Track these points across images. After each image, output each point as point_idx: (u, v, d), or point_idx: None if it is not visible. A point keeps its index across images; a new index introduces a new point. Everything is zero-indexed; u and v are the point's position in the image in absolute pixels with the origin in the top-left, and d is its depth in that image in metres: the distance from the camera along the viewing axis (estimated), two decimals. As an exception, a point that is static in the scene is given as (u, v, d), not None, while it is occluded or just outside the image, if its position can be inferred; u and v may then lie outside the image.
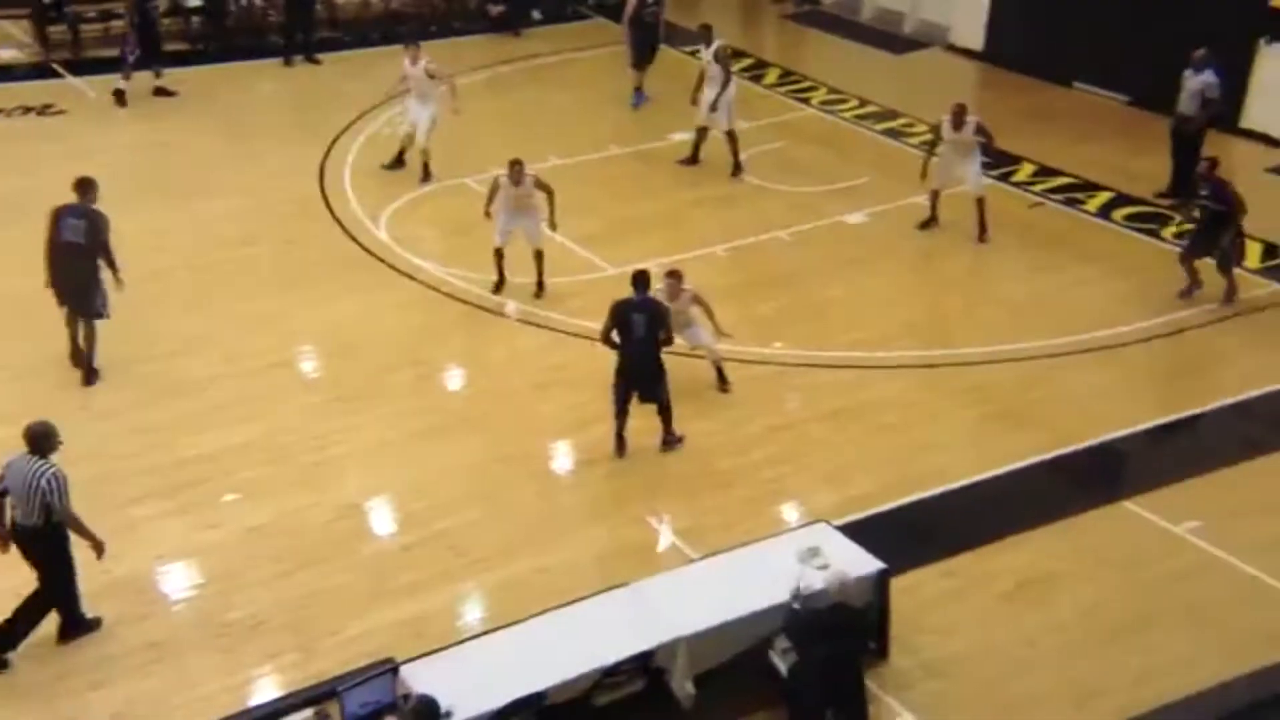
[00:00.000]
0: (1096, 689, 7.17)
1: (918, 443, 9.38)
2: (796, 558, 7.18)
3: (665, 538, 8.42)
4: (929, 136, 12.26)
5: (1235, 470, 9.08)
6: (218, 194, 13.08)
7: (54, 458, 6.96)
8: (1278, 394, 10.07)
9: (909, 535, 8.42)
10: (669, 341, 9.02)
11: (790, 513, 8.67)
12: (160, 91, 15.27)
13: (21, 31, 17.32)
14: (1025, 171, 14.03)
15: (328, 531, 8.33)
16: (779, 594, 6.92)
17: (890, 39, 18.43)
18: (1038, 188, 13.67)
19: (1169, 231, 12.64)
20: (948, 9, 17.91)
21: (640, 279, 8.94)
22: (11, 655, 7.16)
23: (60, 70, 16.34)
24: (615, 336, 8.96)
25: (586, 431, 9.46)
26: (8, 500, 6.96)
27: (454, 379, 10.50)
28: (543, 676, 6.42)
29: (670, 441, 9.23)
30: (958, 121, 11.94)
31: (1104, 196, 13.41)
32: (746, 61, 17.28)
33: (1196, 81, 12.73)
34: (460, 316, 11.11)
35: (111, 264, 9.69)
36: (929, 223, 12.52)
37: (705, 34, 13.68)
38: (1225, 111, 13.30)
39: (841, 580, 6.69)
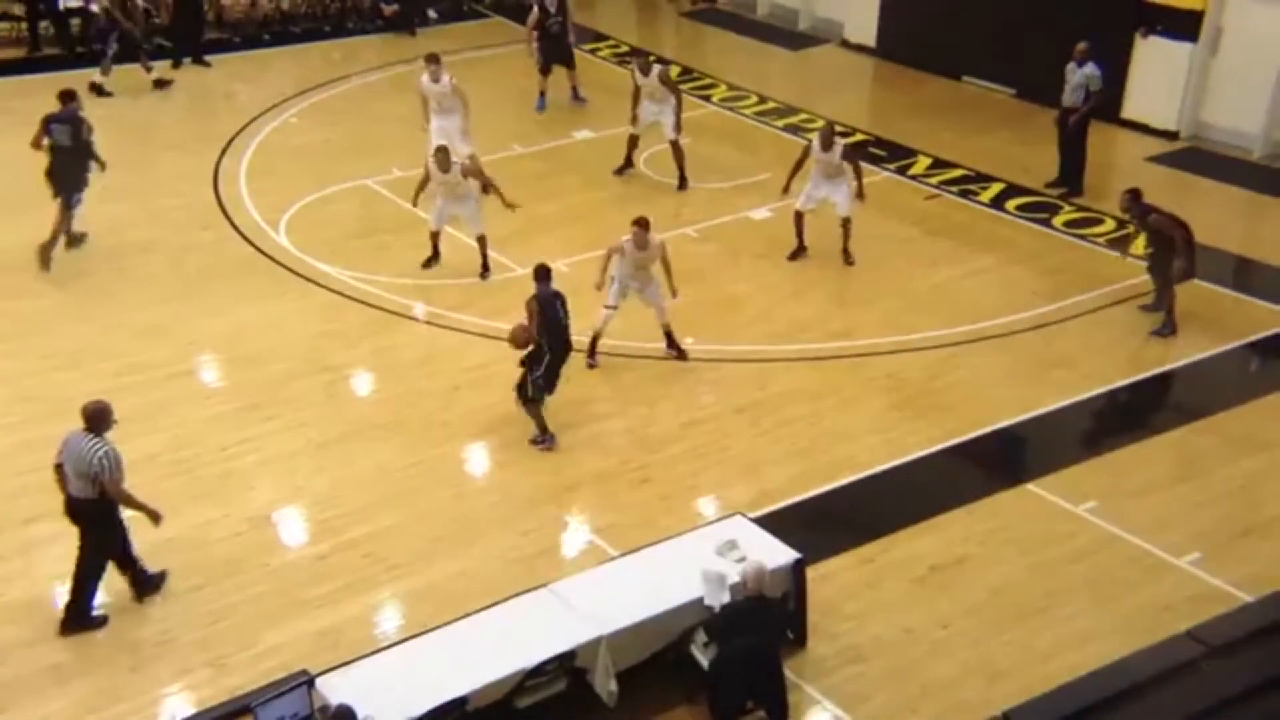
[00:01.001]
0: (1007, 667, 7.40)
1: (829, 433, 9.56)
2: (713, 551, 7.26)
3: (582, 536, 8.42)
4: (798, 155, 12.03)
5: (1129, 450, 9.44)
6: (109, 200, 12.58)
7: (108, 435, 7.14)
8: (1165, 376, 10.53)
9: (824, 524, 8.58)
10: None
11: (707, 507, 8.74)
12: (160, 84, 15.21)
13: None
14: (921, 165, 14.38)
15: (237, 544, 8.12)
16: (697, 588, 6.98)
17: (786, 35, 18.71)
18: (934, 180, 14.03)
19: (1060, 220, 13.11)
20: (841, 6, 18.26)
21: (543, 271, 9.17)
22: (101, 610, 7.48)
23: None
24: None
25: (500, 433, 9.40)
26: (66, 472, 7.22)
27: (363, 384, 10.32)
28: (464, 681, 6.37)
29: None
30: (826, 143, 11.61)
31: (996, 188, 13.83)
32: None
33: (1080, 74, 13.21)
34: (367, 321, 10.93)
35: (96, 158, 11.44)
36: (798, 253, 12.02)
37: (643, 63, 13.42)
38: (1107, 103, 13.83)
39: (757, 572, 6.78)
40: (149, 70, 15.03)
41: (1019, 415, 9.81)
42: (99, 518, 7.26)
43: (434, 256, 11.64)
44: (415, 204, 11.49)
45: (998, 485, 9.02)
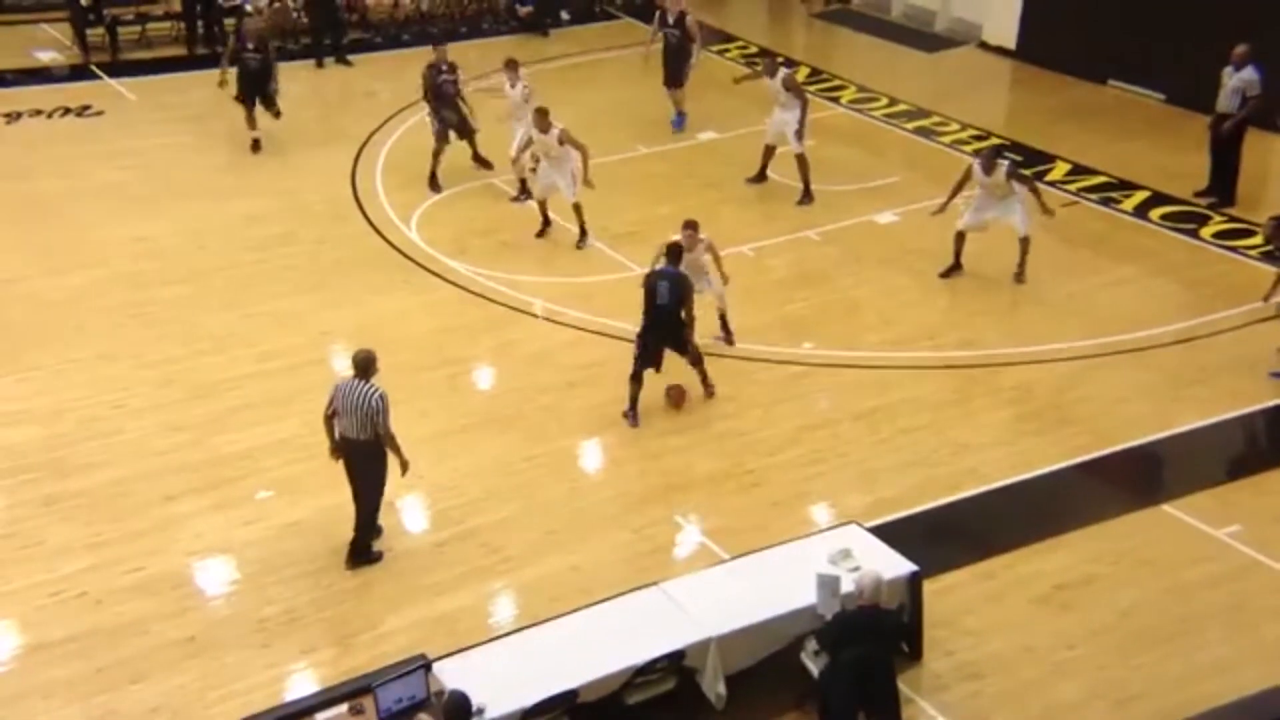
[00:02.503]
0: (1135, 694, 7.08)
1: (951, 444, 9.30)
2: (827, 559, 7.14)
3: (693, 537, 8.40)
4: (958, 177, 11.52)
5: (1276, 474, 8.94)
6: (252, 195, 13.19)
7: (375, 380, 7.66)
8: (1320, 396, 9.93)
9: (943, 537, 8.35)
10: (689, 314, 9.61)
11: (821, 514, 8.62)
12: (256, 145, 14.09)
13: (61, 34, 17.54)
14: (1060, 170, 13.88)
15: (360, 529, 8.37)
16: (810, 595, 6.88)
17: (921, 37, 18.31)
18: (1073, 187, 13.52)
19: (1209, 231, 12.48)
20: (980, 7, 17.78)
21: (673, 250, 9.74)
22: (379, 547, 8.07)
23: (99, 72, 16.53)
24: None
25: (616, 430, 9.45)
26: (337, 420, 7.74)
27: (483, 378, 10.53)
28: (574, 674, 6.42)
29: (709, 390, 9.83)
30: (988, 167, 11.12)
31: (1140, 195, 13.25)
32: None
33: (1237, 79, 12.53)
34: (488, 316, 11.14)
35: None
36: (952, 270, 11.61)
37: (770, 65, 13.24)
38: (1266, 110, 13.09)
39: (873, 582, 6.64)
40: (268, 112, 13.99)
41: (1156, 433, 9.38)
42: (375, 457, 7.79)
43: (545, 224, 12.19)
44: (515, 161, 12.28)
45: (1131, 505, 8.63)
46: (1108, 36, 15.93)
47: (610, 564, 8.04)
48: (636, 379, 9.48)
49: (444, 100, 13.15)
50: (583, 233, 12.08)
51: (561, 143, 11.74)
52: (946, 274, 11.74)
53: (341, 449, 7.86)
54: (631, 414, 9.50)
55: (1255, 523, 8.37)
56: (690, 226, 10.08)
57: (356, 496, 7.95)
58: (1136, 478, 9.09)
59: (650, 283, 9.50)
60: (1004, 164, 11.40)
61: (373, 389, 7.65)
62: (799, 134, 12.97)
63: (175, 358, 10.27)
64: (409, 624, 7.54)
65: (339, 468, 8.92)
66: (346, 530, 8.34)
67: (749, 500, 8.73)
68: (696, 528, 8.52)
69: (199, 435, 9.28)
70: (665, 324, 9.43)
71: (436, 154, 13.24)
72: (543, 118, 11.75)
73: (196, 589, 7.92)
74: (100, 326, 10.72)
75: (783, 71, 13.29)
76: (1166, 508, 8.59)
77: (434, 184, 13.28)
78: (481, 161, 13.61)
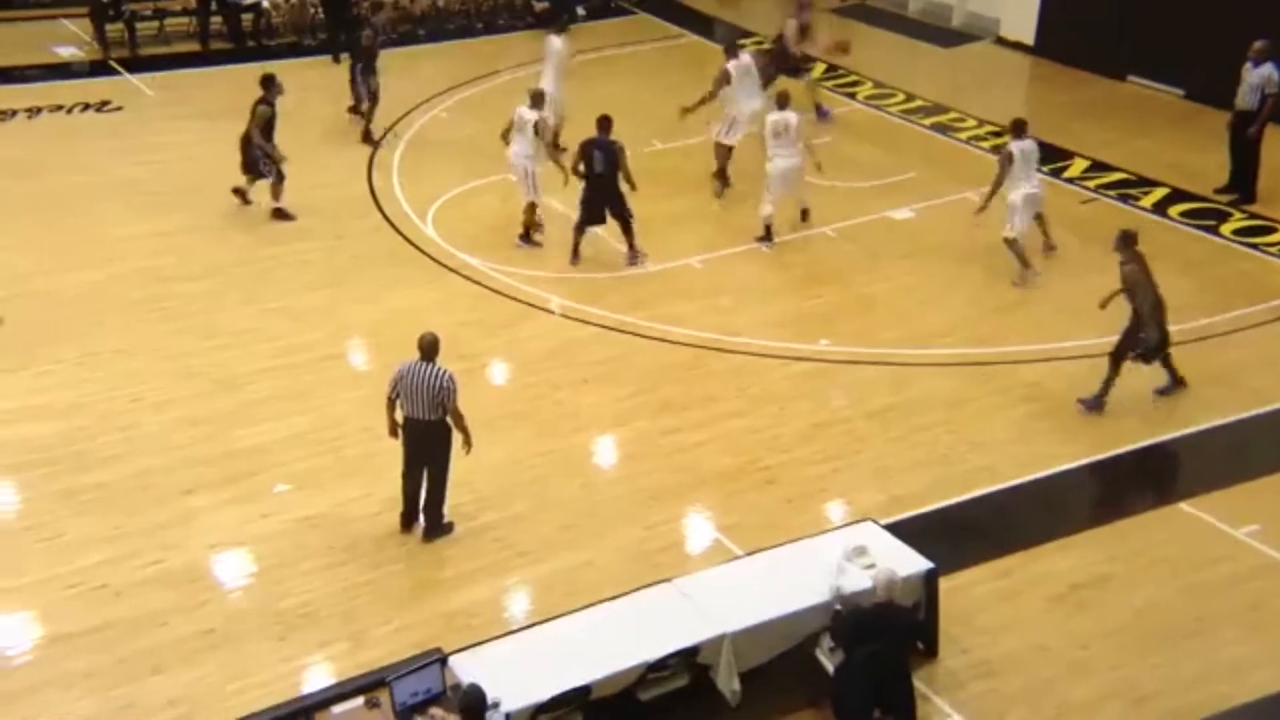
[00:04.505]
0: (1151, 693, 7.05)
1: (966, 441, 9.28)
2: (843, 556, 7.14)
3: (707, 534, 8.41)
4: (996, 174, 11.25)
5: (1296, 473, 8.90)
6: (262, 186, 13.24)
7: (439, 360, 7.88)
8: (1339, 395, 9.84)
9: (959, 535, 8.33)
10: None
11: (836, 510, 8.61)
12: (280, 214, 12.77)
13: (80, 30, 17.65)
14: (1078, 167, 13.81)
15: (377, 523, 8.41)
16: (825, 592, 6.88)
17: (939, 32, 18.23)
18: (1091, 184, 13.45)
19: (1229, 229, 12.39)
20: (998, 2, 17.68)
21: (603, 122, 11.13)
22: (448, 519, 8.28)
23: (118, 68, 16.63)
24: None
25: (630, 425, 9.47)
26: (400, 403, 7.91)
27: (498, 373, 10.56)
28: (588, 670, 6.44)
29: (634, 258, 11.45)
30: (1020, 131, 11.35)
31: (1160, 193, 13.16)
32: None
33: (1257, 75, 12.42)
34: (504, 312, 11.17)
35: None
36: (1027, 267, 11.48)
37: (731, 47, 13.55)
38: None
39: (888, 579, 6.64)
40: (276, 197, 12.67)
41: (1174, 432, 9.34)
42: (444, 437, 7.97)
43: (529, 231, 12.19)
44: (505, 139, 11.99)
45: (1148, 503, 8.60)
46: (1126, 32, 15.82)
47: (624, 560, 8.06)
48: (579, 230, 11.36)
49: (372, 62, 14.21)
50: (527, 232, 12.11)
51: (537, 131, 11.70)
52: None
53: (407, 431, 7.98)
54: (574, 257, 11.36)
55: (1275, 522, 8.32)
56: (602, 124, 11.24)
57: (421, 475, 8.09)
58: (1154, 476, 9.06)
59: (586, 151, 11.01)
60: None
61: (442, 370, 7.83)
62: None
63: (193, 352, 10.34)
64: (424, 618, 7.58)
65: (355, 462, 9.02)
66: (363, 523, 8.40)
67: (763, 497, 8.73)
68: (710, 524, 8.53)
69: (217, 429, 9.33)
70: (604, 189, 11.06)
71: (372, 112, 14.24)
72: (538, 96, 11.97)
73: (215, 582, 7.97)
74: (119, 321, 10.79)
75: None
76: (1184, 506, 8.55)
77: (371, 139, 14.24)
78: (369, 137, 14.29)
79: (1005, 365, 10.24)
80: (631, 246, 11.56)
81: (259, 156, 12.24)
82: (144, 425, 9.39)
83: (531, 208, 12.01)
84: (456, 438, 8.03)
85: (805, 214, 12.52)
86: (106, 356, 10.27)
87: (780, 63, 14.63)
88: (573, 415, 9.67)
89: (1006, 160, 11.29)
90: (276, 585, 7.88)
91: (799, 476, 8.93)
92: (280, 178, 12.40)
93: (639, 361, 9.92)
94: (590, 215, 11.44)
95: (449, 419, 7.94)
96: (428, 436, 7.98)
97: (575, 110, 13.82)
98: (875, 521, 7.72)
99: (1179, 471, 9.17)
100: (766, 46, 15.27)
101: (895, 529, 7.67)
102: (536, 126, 11.67)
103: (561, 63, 13.81)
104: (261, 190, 12.59)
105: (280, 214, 12.53)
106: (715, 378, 10.12)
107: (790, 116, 11.99)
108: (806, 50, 14.67)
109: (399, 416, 8.03)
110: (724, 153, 13.18)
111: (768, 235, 12.13)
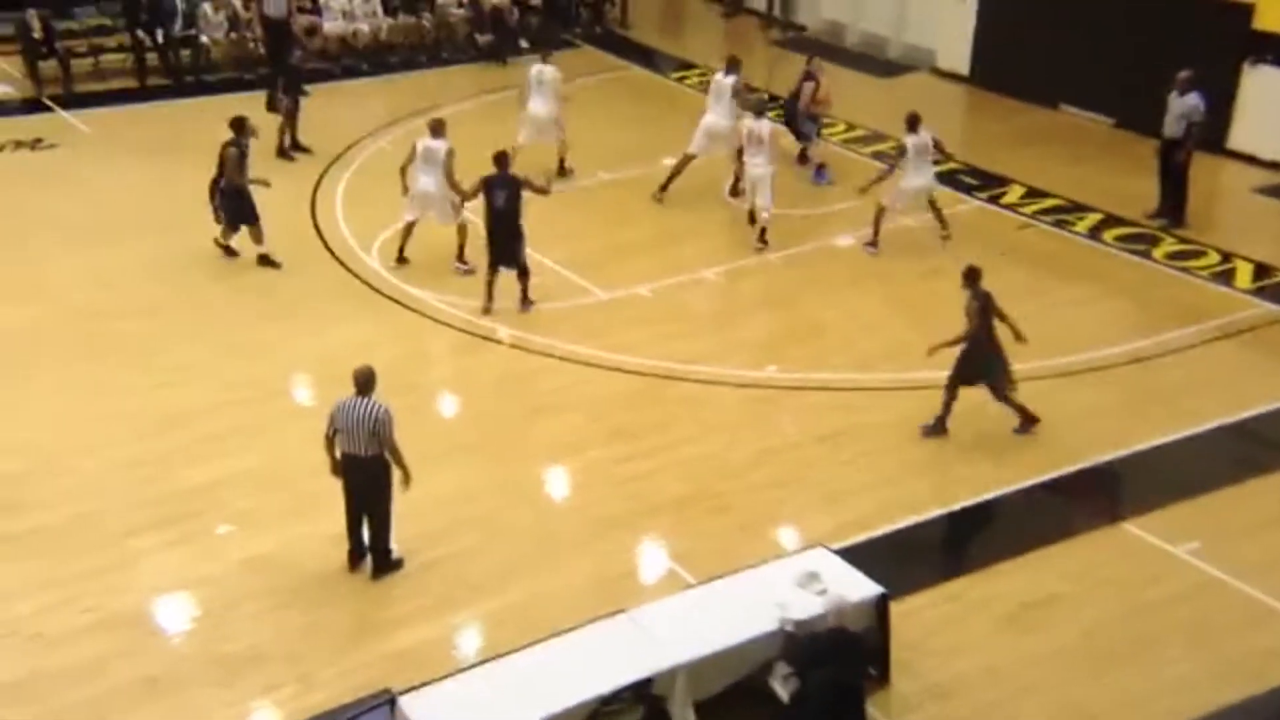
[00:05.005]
0: (1098, 712, 7.14)
1: (915, 464, 9.38)
2: (794, 582, 7.16)
3: (660, 563, 8.38)
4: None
5: (1233, 491, 9.09)
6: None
7: (375, 395, 7.82)
8: (1273, 414, 10.08)
9: (908, 558, 8.41)
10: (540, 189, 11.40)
11: (788, 537, 8.64)
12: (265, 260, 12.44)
13: (13, 67, 17.28)
14: (1014, 194, 14.11)
15: (324, 561, 8.27)
16: (777, 620, 6.89)
17: (876, 63, 18.58)
18: (1027, 209, 13.75)
19: (1161, 253, 12.72)
20: (933, 33, 18.08)
21: (500, 158, 11.08)
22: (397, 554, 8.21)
23: (52, 105, 16.31)
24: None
25: (581, 455, 9.44)
26: (338, 439, 7.84)
27: (447, 405, 10.48)
28: (540, 705, 6.37)
29: (526, 304, 11.32)
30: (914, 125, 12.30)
31: (1094, 218, 13.48)
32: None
33: (1181, 104, 12.82)
34: (451, 343, 11.11)
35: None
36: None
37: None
38: (1211, 132, 13.40)
39: (840, 605, 6.66)
40: (227, 238, 12.44)
41: (1114, 452, 9.51)
42: (383, 473, 7.91)
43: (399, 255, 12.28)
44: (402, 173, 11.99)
45: (1092, 523, 8.74)
46: (1058, 62, 16.26)
47: (576, 591, 8.00)
48: (492, 269, 11.20)
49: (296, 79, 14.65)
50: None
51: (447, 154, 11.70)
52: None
53: (345, 468, 7.89)
54: (488, 301, 11.25)
55: (1214, 539, 8.50)
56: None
57: (362, 513, 8.00)
58: (1097, 497, 9.21)
59: (487, 189, 11.01)
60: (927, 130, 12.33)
61: (377, 404, 7.77)
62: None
63: (134, 390, 10.13)
64: (373, 658, 7.45)
65: (302, 499, 8.87)
66: (310, 562, 8.26)
67: (716, 524, 8.74)
68: (664, 553, 8.51)
69: (159, 469, 9.14)
70: (507, 226, 11.02)
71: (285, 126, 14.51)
72: (437, 123, 11.97)
73: (156, 627, 7.78)
74: (56, 359, 10.56)
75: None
76: (1127, 526, 8.70)
77: (286, 152, 14.58)
78: (296, 146, 14.64)
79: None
80: (524, 296, 11.34)
81: (235, 203, 11.83)
82: (83, 467, 9.18)
83: (463, 229, 12.06)
84: (397, 473, 7.94)
85: (753, 215, 12.93)
86: (45, 397, 10.04)
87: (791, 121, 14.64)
88: (523, 446, 9.62)
89: (900, 153, 12.38)
90: (220, 629, 7.71)
91: (751, 503, 8.96)
92: (254, 225, 12.02)
93: (590, 391, 9.90)
94: (499, 254, 11.20)
95: (386, 454, 7.85)
96: (366, 473, 7.89)
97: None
98: (826, 547, 7.76)
99: (1121, 491, 9.34)
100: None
101: (846, 554, 7.72)
102: (448, 155, 11.71)
103: (557, 89, 13.95)
104: (242, 239, 12.26)
105: (229, 251, 12.26)
106: (667, 405, 10.14)
107: (763, 125, 12.52)
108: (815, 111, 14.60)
109: (338, 453, 7.93)
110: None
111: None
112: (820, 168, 14.51)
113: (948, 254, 12.64)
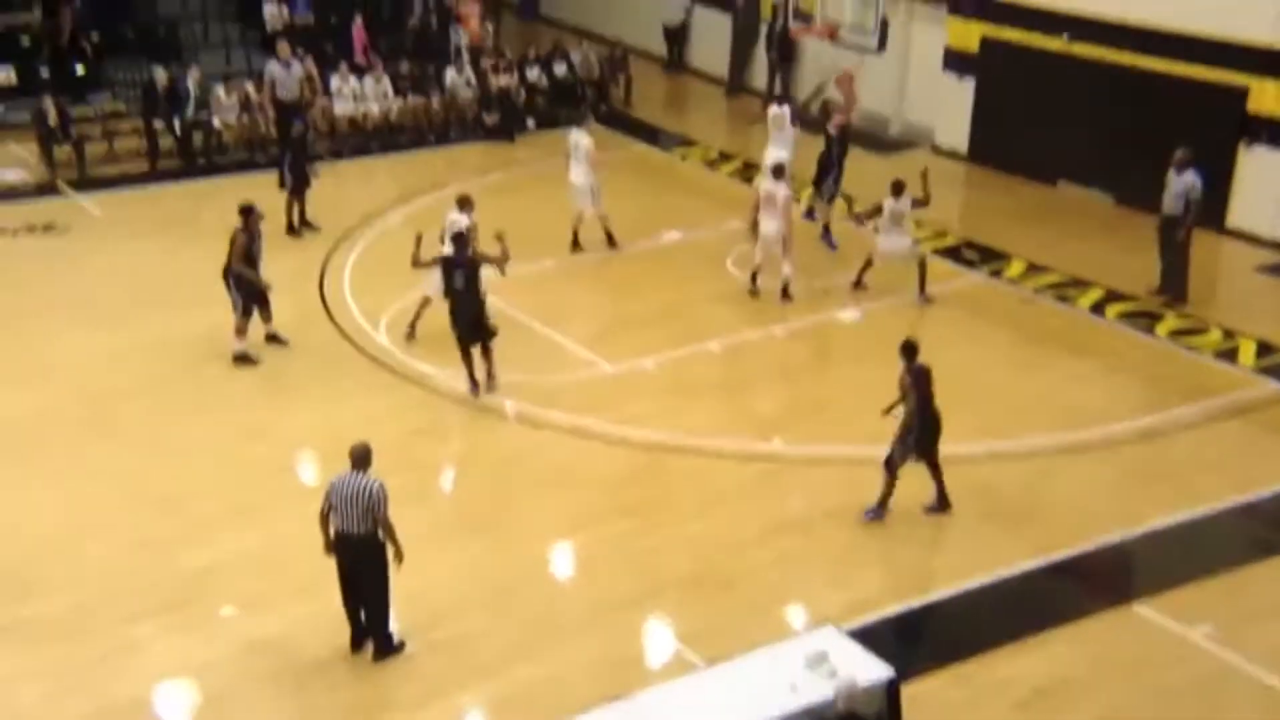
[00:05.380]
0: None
1: (923, 542, 9.32)
2: (804, 664, 7.06)
3: (668, 644, 8.28)
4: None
5: (1245, 572, 9.01)
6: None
7: (370, 472, 7.75)
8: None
9: (919, 639, 8.32)
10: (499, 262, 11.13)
11: (796, 616, 8.56)
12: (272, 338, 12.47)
13: (28, 153, 17.45)
14: (1016, 268, 14.22)
15: (328, 644, 8.17)
16: (787, 703, 6.78)
17: (876, 141, 18.84)
18: (1029, 284, 13.83)
19: (1164, 329, 12.77)
20: (932, 111, 18.38)
21: (457, 239, 11.08)
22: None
23: (65, 189, 16.47)
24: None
25: (588, 531, 9.39)
26: (333, 517, 7.76)
27: (454, 481, 10.46)
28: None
29: (490, 385, 11.17)
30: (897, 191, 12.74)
31: (1096, 293, 13.56)
32: (736, 163, 17.68)
33: (1180, 182, 12.96)
34: (459, 418, 11.12)
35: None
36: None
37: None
38: (1210, 210, 13.54)
39: (850, 689, 6.56)
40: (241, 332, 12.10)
41: (1123, 531, 9.44)
42: (378, 553, 7.81)
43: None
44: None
45: (1102, 604, 8.65)
46: (1056, 140, 16.48)
47: (584, 674, 7.90)
48: (465, 354, 11.04)
49: (302, 154, 14.86)
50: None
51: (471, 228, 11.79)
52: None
53: (340, 547, 7.82)
54: (472, 385, 11.10)
55: (1226, 623, 8.39)
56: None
57: (358, 595, 7.90)
58: (1107, 576, 9.12)
59: (446, 270, 10.97)
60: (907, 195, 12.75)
61: (372, 480, 7.71)
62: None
63: (137, 471, 10.12)
64: (378, 743, 7.35)
65: (306, 579, 8.79)
66: (313, 645, 8.16)
67: (723, 602, 8.65)
68: (671, 633, 8.42)
69: (161, 551, 9.09)
70: (468, 306, 10.94)
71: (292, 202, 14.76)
72: (465, 198, 12.12)
73: (157, 715, 7.66)
74: (61, 441, 10.56)
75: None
76: (1137, 607, 8.60)
77: (295, 230, 14.80)
78: (305, 224, 14.86)
79: (955, 465, 10.34)
80: (489, 373, 11.24)
81: (248, 288, 11.66)
82: (85, 551, 9.13)
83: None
84: (391, 550, 7.84)
85: (754, 278, 13.25)
86: (49, 478, 10.02)
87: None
88: (529, 522, 9.57)
89: (875, 211, 13.03)
90: (222, 715, 7.60)
91: (758, 580, 8.88)
92: (264, 305, 11.89)
93: (596, 465, 9.88)
94: (465, 334, 11.09)
95: (380, 532, 7.78)
96: (361, 552, 7.79)
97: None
98: (836, 627, 7.67)
99: (1130, 571, 9.25)
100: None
101: (855, 633, 7.62)
102: (468, 230, 11.75)
103: (589, 155, 14.19)
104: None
105: (244, 358, 11.90)
106: (673, 480, 10.11)
107: (779, 188, 13.00)
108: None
109: (332, 531, 7.86)
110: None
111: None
112: (827, 229, 14.68)
113: (955, 327, 12.72)
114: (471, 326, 11.08)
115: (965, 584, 8.84)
